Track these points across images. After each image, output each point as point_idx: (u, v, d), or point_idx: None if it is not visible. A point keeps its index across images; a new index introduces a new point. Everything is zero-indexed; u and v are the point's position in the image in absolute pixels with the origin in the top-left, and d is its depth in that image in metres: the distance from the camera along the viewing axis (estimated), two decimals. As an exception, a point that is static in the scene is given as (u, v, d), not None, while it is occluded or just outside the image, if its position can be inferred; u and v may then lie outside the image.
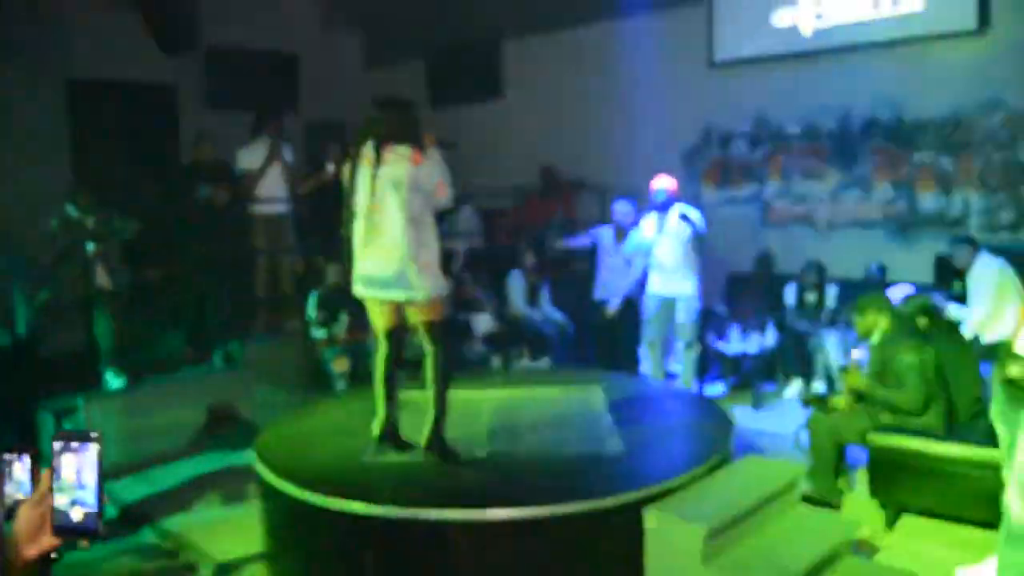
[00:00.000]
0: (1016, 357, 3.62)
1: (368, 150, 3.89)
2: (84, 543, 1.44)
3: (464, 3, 10.66)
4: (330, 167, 6.18)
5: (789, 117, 8.78)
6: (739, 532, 3.57)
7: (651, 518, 3.50)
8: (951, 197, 7.85)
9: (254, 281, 7.22)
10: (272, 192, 7.13)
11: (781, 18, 8.59)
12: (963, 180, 7.77)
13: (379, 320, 4.12)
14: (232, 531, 4.69)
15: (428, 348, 4.04)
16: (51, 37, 8.57)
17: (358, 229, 3.91)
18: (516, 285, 7.88)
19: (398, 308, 4.06)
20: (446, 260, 7.48)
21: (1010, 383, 3.64)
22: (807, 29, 8.41)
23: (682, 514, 3.47)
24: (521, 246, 8.20)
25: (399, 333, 4.19)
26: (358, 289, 4.01)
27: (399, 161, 3.83)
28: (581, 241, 7.71)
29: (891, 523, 4.61)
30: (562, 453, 4.16)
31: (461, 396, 4.07)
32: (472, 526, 3.48)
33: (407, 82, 11.23)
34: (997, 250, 6.67)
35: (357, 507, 3.55)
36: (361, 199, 3.86)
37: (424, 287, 3.86)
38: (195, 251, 6.61)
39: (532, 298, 7.90)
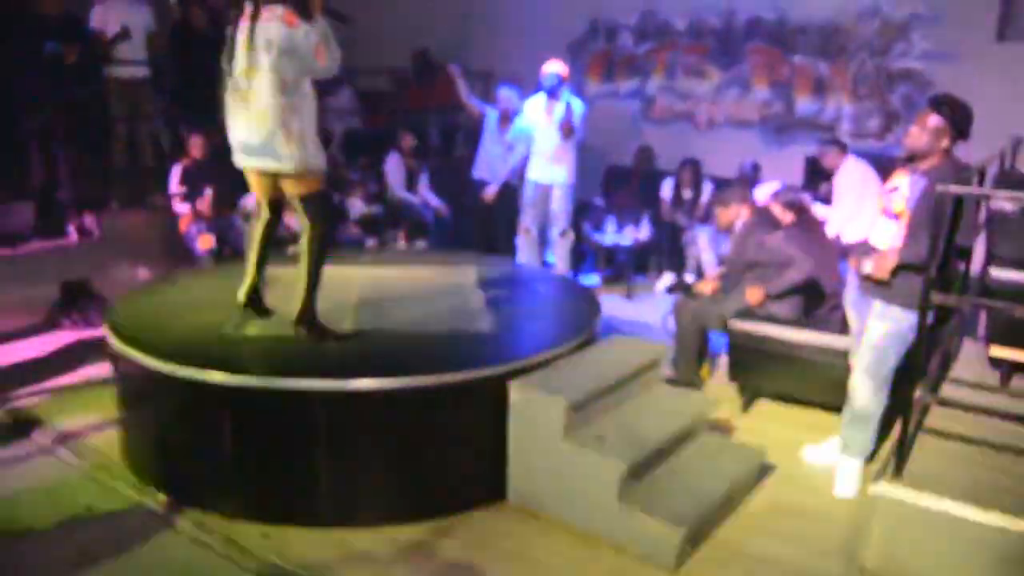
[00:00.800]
0: (871, 252, 3.76)
1: (247, 5, 3.60)
2: None
3: None
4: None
5: (675, 12, 8.73)
6: (601, 407, 3.63)
7: (515, 391, 3.51)
8: (825, 102, 8.04)
9: (111, 150, 6.74)
10: (130, 54, 6.61)
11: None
12: (837, 85, 7.95)
13: (257, 189, 3.91)
14: (84, 406, 4.50)
15: (303, 224, 3.82)
16: None
17: (232, 91, 3.66)
18: (394, 168, 7.67)
19: (276, 178, 3.84)
20: (323, 141, 7.22)
21: (865, 276, 3.78)
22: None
23: (545, 388, 3.48)
24: (399, 129, 7.94)
25: (280, 204, 3.99)
26: (236, 157, 3.78)
27: (272, 20, 3.54)
28: (478, 104, 7.48)
29: (747, 406, 4.80)
30: (431, 329, 4.11)
31: (331, 273, 3.92)
32: (336, 397, 3.41)
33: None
34: (863, 155, 6.90)
35: (216, 376, 3.42)
36: (237, 59, 3.61)
37: (293, 157, 3.63)
38: (43, 114, 6.08)
39: (410, 182, 7.72)
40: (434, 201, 7.69)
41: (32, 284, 5.91)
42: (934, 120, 3.57)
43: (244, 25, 3.59)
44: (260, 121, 3.58)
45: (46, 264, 6.09)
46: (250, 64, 3.56)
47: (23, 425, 4.31)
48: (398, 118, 8.81)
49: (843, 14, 7.79)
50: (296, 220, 4.00)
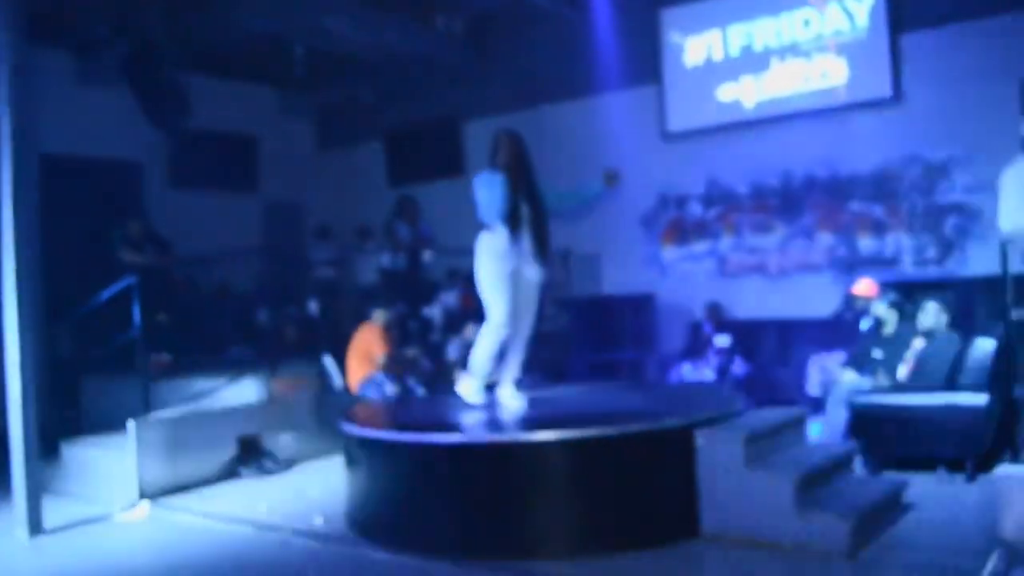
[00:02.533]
0: None
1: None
2: None
3: (421, 89, 11.57)
4: None
5: (737, 179, 9.91)
6: (766, 448, 4.38)
7: (700, 437, 4.29)
8: (885, 239, 9.00)
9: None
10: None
11: (725, 93, 9.84)
12: (893, 224, 8.94)
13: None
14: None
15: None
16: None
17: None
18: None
19: None
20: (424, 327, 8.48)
21: None
22: (749, 102, 9.67)
23: (724, 431, 4.29)
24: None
25: None
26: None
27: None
28: None
29: (876, 470, 5.39)
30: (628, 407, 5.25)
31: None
32: (568, 444, 4.25)
33: (364, 160, 12.55)
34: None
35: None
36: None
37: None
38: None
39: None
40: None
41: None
42: None
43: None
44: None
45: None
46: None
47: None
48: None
49: (888, 163, 8.91)
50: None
